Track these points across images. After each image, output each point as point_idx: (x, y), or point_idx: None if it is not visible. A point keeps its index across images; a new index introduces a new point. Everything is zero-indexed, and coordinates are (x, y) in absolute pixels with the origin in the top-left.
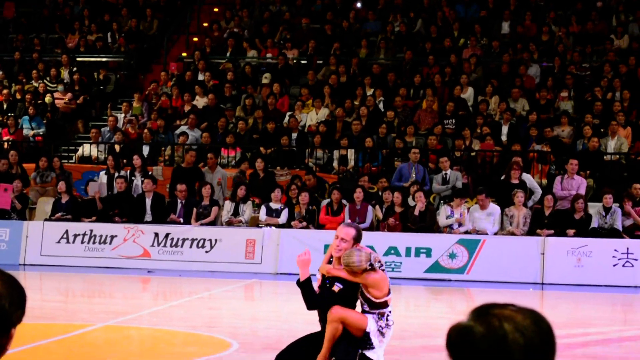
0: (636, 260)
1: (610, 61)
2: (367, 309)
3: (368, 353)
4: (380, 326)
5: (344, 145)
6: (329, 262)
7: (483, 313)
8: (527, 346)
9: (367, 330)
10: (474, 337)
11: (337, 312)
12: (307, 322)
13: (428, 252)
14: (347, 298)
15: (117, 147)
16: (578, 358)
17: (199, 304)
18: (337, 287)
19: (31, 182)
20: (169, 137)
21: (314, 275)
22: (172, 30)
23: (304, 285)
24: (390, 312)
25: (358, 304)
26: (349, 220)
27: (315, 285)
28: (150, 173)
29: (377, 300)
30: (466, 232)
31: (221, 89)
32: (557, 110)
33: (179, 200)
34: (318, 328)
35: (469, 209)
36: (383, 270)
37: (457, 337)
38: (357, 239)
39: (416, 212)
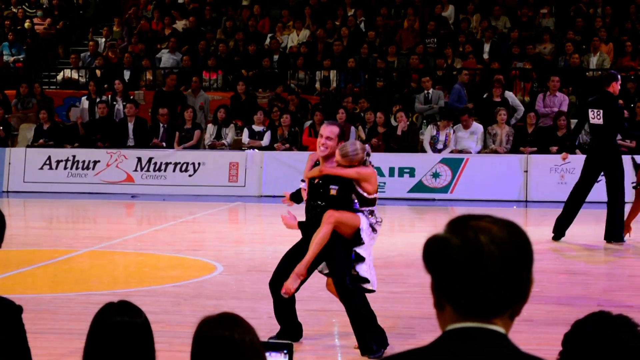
0: None
1: None
2: (358, 206)
3: (358, 250)
4: (371, 222)
5: (326, 66)
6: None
7: (459, 225)
8: (503, 258)
9: (360, 227)
10: (450, 249)
11: (333, 214)
12: (292, 243)
13: (411, 172)
14: (343, 199)
15: (98, 72)
16: (561, 274)
17: (183, 228)
18: (333, 190)
19: (12, 109)
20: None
21: (303, 182)
22: None
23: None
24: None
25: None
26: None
27: (304, 193)
28: (132, 97)
29: (369, 196)
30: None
31: (201, 12)
32: (538, 27)
33: (161, 125)
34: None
35: (454, 129)
36: (372, 165)
37: (433, 249)
38: (342, 136)
39: (399, 132)
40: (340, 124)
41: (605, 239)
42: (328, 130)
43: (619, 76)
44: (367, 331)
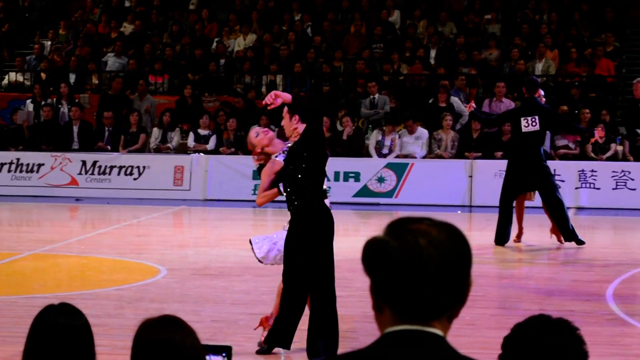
0: (563, 181)
1: None
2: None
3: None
4: None
5: (273, 71)
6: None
7: (398, 228)
8: (442, 261)
9: None
10: (389, 252)
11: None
12: (236, 247)
13: (357, 177)
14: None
15: (43, 75)
16: (505, 278)
17: (128, 231)
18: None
19: None
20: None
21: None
22: None
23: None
24: None
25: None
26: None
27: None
28: (77, 101)
29: None
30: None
31: (148, 15)
32: (484, 33)
33: (106, 128)
34: (245, 253)
35: (399, 134)
36: None
37: (372, 252)
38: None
39: (344, 137)
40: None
41: (566, 240)
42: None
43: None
44: (321, 337)
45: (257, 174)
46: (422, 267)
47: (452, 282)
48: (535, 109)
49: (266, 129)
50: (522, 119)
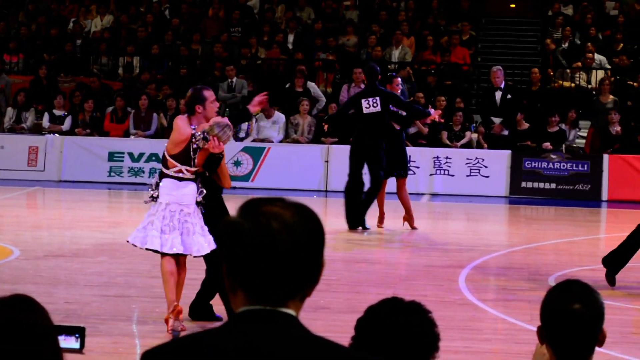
0: (418, 167)
1: None
2: None
3: None
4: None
5: (130, 52)
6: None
7: (251, 209)
8: (294, 243)
9: None
10: (241, 233)
11: None
12: (91, 228)
13: None
14: None
15: None
16: (359, 263)
17: None
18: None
19: None
20: None
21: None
22: None
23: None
24: None
25: None
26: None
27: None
28: None
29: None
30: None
31: None
32: (342, 19)
33: None
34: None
35: (256, 118)
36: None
37: (225, 233)
38: None
39: None
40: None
41: (352, 228)
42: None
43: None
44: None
45: (111, 157)
46: (274, 249)
47: (304, 263)
48: (376, 91)
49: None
50: (362, 100)
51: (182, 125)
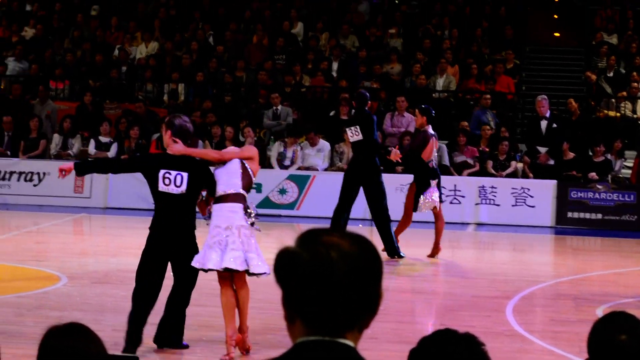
0: (463, 197)
1: None
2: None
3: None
4: None
5: (175, 79)
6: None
7: (310, 240)
8: (353, 273)
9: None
10: (300, 263)
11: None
12: (137, 255)
13: (258, 188)
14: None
15: None
16: (405, 292)
17: (27, 238)
18: None
19: None
20: None
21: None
22: None
23: None
24: None
25: None
26: None
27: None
28: None
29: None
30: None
31: (49, 20)
32: (386, 47)
33: (5, 133)
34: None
35: (301, 146)
36: None
37: (284, 263)
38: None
39: None
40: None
41: (388, 255)
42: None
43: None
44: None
45: None
46: (333, 279)
47: (363, 294)
48: (357, 119)
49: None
50: (347, 130)
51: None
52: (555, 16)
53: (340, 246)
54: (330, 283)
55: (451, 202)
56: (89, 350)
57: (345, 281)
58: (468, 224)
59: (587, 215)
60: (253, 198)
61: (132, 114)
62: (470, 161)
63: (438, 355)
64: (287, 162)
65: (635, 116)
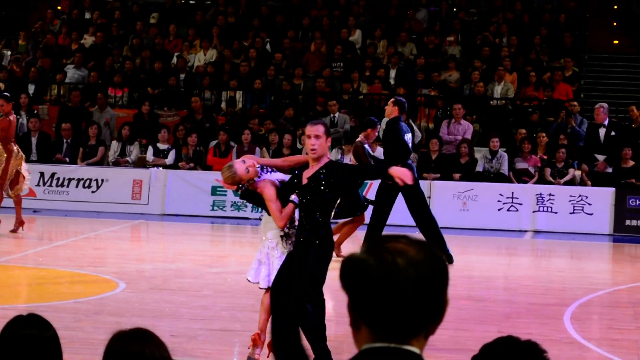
0: (521, 204)
1: (497, 7)
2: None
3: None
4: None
5: (233, 87)
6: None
7: (376, 246)
8: (419, 280)
9: None
10: (367, 270)
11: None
12: (194, 262)
13: None
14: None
15: (2, 86)
16: (462, 300)
17: (85, 244)
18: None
19: None
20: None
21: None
22: None
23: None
24: None
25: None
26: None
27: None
28: (36, 112)
29: None
30: None
31: (108, 28)
32: (444, 54)
33: (64, 140)
34: (204, 269)
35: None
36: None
37: (350, 270)
38: (328, 132)
39: None
40: (324, 120)
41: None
42: (314, 129)
43: (378, 125)
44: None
45: (214, 191)
46: (400, 286)
47: (429, 300)
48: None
49: (249, 159)
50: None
51: None
52: (615, 23)
53: (407, 253)
54: (397, 290)
55: (508, 210)
56: (154, 355)
57: (412, 288)
58: (525, 231)
59: None
60: None
61: (190, 121)
62: (532, 170)
63: None
64: None
65: None
